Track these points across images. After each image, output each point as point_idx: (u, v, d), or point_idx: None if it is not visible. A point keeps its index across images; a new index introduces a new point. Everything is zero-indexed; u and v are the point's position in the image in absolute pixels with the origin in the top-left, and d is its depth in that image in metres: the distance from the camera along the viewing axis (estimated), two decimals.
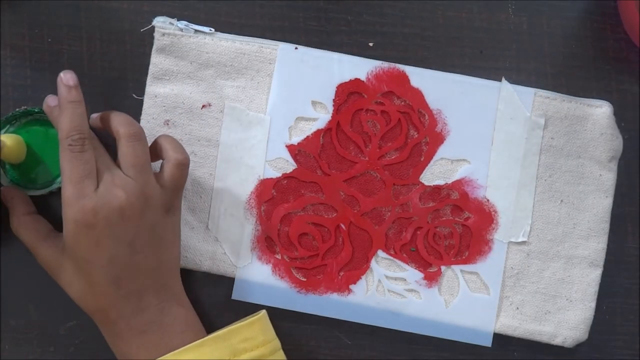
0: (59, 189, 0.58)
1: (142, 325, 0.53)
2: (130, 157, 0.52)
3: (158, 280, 0.54)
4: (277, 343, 0.56)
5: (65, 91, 0.52)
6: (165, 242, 0.54)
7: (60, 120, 0.52)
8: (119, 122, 0.53)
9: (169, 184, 0.54)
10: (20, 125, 0.58)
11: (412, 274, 0.60)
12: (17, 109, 0.58)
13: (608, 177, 0.61)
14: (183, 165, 0.54)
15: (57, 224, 0.57)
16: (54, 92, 0.60)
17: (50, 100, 0.54)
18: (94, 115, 0.57)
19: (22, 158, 0.58)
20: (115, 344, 0.54)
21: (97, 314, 0.53)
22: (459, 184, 0.60)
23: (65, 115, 0.51)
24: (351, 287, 0.60)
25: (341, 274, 0.60)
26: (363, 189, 0.60)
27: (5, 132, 0.58)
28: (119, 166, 0.53)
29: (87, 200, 0.50)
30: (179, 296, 0.56)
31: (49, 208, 0.59)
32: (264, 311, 0.56)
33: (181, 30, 0.59)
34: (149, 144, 0.55)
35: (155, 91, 0.60)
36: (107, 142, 0.56)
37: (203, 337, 0.54)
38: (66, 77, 0.52)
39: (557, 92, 0.60)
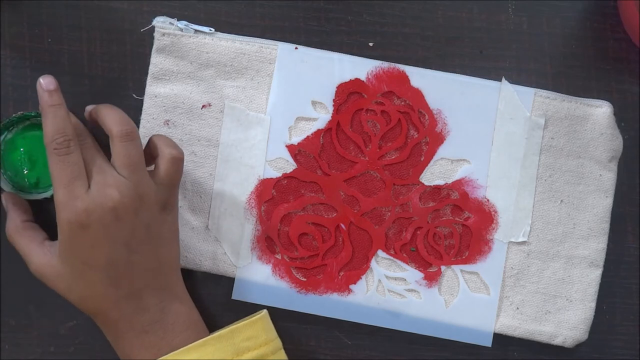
0: None
1: (144, 325, 0.53)
2: (123, 157, 0.52)
3: (158, 279, 0.54)
4: (278, 342, 0.56)
5: (46, 96, 0.52)
6: (162, 241, 0.54)
7: (43, 125, 0.52)
8: (112, 120, 0.53)
9: (164, 181, 0.54)
10: (18, 131, 0.58)
11: (412, 274, 0.60)
12: (13, 115, 0.58)
13: (608, 177, 0.61)
14: (178, 160, 0.54)
15: (57, 228, 0.57)
16: None
17: None
18: (88, 108, 0.56)
19: None
20: (117, 345, 0.54)
21: (99, 316, 0.53)
22: (459, 184, 0.60)
23: (47, 120, 0.51)
24: (351, 287, 0.60)
25: (341, 274, 0.60)
26: (363, 189, 0.60)
27: (3, 139, 0.58)
28: (113, 165, 0.53)
29: (79, 201, 0.50)
30: (181, 295, 0.55)
31: (48, 213, 0.59)
32: (265, 310, 0.56)
33: (181, 30, 0.59)
34: (145, 145, 0.55)
35: (155, 91, 0.60)
36: (101, 139, 0.56)
37: (205, 336, 0.54)
38: (46, 82, 0.52)
39: (557, 92, 0.60)
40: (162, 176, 0.54)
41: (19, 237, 0.55)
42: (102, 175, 0.51)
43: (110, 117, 0.53)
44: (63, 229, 0.51)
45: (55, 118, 0.51)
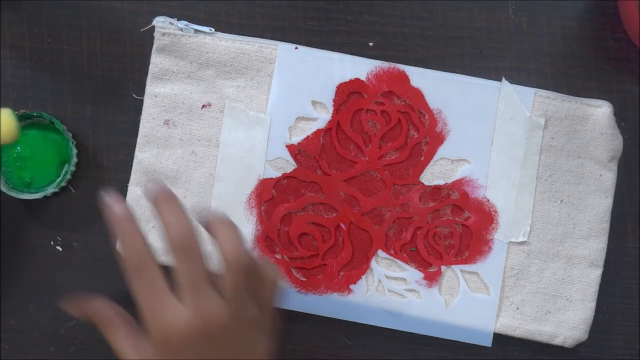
0: (55, 193, 0.58)
1: None
2: (231, 284, 0.49)
3: None
4: None
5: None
6: None
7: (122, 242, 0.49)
8: (226, 243, 0.49)
9: (265, 303, 0.51)
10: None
11: (412, 274, 0.60)
12: (15, 112, 0.58)
13: (608, 177, 0.61)
14: (280, 289, 0.52)
15: (56, 228, 0.57)
16: (54, 92, 0.60)
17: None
18: (204, 215, 0.51)
19: (15, 136, 0.53)
20: None
21: None
22: (459, 184, 0.60)
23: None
24: (351, 287, 0.60)
25: (341, 273, 0.60)
26: (363, 189, 0.60)
27: None
28: (217, 287, 0.49)
29: (173, 318, 0.48)
30: None
31: (46, 211, 0.59)
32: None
33: (181, 30, 0.59)
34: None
35: (155, 91, 0.60)
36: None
37: None
38: (120, 209, 0.49)
39: (557, 92, 0.60)
40: (263, 298, 0.51)
41: (114, 332, 0.51)
42: (198, 296, 0.48)
43: (225, 239, 0.50)
44: (155, 346, 0.48)
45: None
